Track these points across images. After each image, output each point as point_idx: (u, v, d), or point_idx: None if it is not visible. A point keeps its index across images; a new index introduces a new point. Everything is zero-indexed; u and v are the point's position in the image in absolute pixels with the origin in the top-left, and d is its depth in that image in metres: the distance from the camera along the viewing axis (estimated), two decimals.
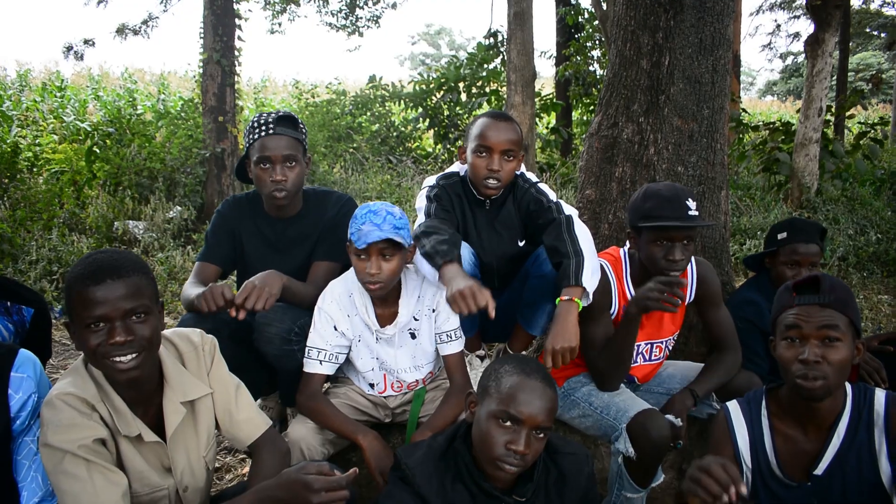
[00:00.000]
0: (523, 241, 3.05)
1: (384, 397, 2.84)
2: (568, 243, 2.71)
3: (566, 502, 2.10)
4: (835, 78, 14.59)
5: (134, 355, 1.88)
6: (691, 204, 2.64)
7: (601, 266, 2.79)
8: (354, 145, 12.39)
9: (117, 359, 1.86)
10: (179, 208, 8.56)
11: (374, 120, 13.68)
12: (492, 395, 1.98)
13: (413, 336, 2.76)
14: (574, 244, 2.70)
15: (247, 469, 3.55)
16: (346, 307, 2.70)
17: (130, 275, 1.87)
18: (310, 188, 3.14)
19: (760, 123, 10.74)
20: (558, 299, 2.60)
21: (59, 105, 10.84)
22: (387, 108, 13.96)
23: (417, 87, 13.93)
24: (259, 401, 3.20)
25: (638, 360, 2.90)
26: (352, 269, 2.73)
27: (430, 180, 3.05)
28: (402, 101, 13.77)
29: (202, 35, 8.94)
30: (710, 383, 2.83)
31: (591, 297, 2.65)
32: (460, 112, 13.57)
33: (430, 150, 13.88)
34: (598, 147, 3.54)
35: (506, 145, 2.83)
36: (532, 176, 3.06)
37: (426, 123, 13.81)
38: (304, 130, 2.99)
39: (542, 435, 1.98)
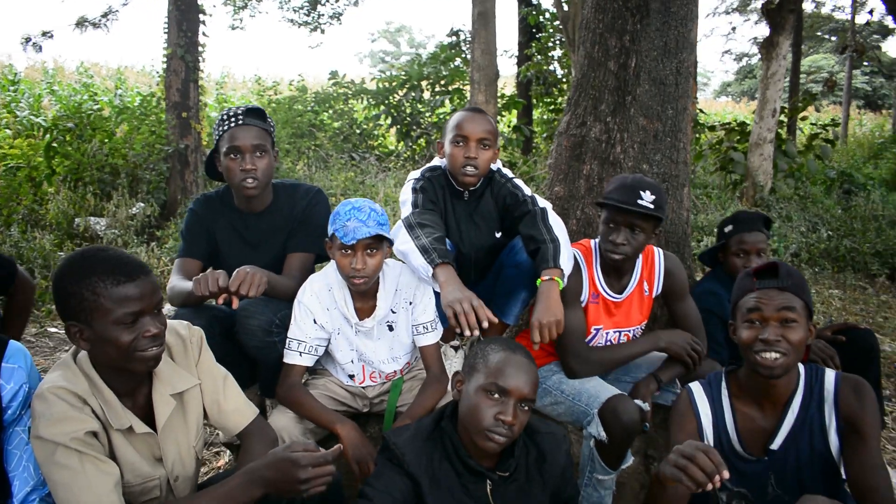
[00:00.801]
0: (500, 234, 3.17)
1: (363, 388, 2.92)
2: (544, 232, 2.85)
3: (546, 479, 2.21)
4: (788, 80, 14.99)
5: (160, 345, 1.97)
6: (646, 196, 2.76)
7: (573, 255, 2.91)
8: (317, 142, 12.39)
9: (150, 352, 1.94)
10: (142, 205, 8.49)
11: (336, 117, 13.68)
12: (480, 371, 2.09)
13: (391, 328, 2.84)
14: (550, 232, 2.85)
15: (222, 462, 3.60)
16: (325, 301, 2.77)
17: (148, 270, 1.95)
18: (278, 181, 3.20)
19: (717, 123, 11.00)
20: (539, 280, 2.72)
21: (13, 99, 10.64)
22: (349, 105, 13.98)
23: (380, 85, 13.98)
24: None
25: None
26: (331, 263, 2.80)
27: (416, 173, 3.17)
28: (364, 99, 13.81)
29: (166, 30, 8.89)
30: (673, 371, 2.97)
31: (566, 280, 2.77)
32: (423, 110, 13.64)
33: (392, 147, 13.93)
34: (567, 145, 3.66)
35: (482, 134, 2.98)
36: (508, 172, 3.18)
37: (388, 121, 13.87)
38: (272, 123, 3.06)
39: (526, 408, 2.09)
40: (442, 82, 13.66)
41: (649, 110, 3.53)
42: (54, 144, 8.74)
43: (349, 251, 2.60)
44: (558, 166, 3.71)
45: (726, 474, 1.76)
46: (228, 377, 2.32)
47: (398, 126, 13.61)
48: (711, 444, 2.25)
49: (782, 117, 10.50)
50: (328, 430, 2.65)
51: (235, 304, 2.58)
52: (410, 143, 13.22)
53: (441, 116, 13.41)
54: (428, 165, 3.20)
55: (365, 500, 2.03)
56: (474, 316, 2.49)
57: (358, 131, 13.56)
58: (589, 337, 2.97)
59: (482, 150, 3.00)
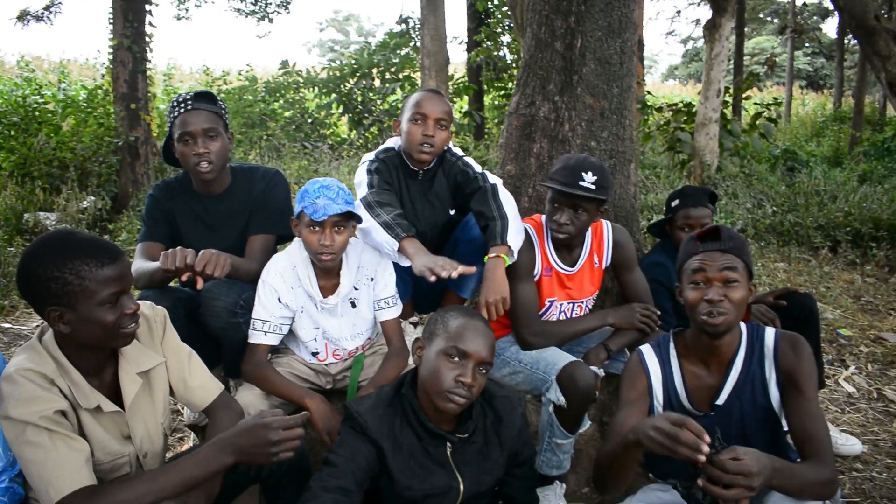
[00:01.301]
0: (454, 211, 3.26)
1: (325, 365, 2.99)
2: (494, 208, 2.95)
3: (502, 440, 2.32)
4: (732, 62, 15.32)
5: (137, 322, 2.07)
6: (588, 177, 2.86)
7: (525, 229, 3.02)
8: (269, 132, 12.34)
9: (131, 328, 2.03)
10: (93, 198, 8.39)
11: (287, 106, 13.62)
12: (440, 336, 2.18)
13: (354, 305, 2.91)
14: (499, 209, 2.95)
15: (186, 447, 3.63)
16: (289, 280, 2.83)
17: (122, 251, 2.01)
18: (237, 165, 3.24)
19: (664, 105, 11.22)
20: (486, 257, 2.82)
21: None
22: (301, 94, 13.92)
23: (331, 74, 13.94)
24: None
25: (560, 318, 3.13)
26: (294, 242, 2.86)
27: (370, 155, 3.25)
28: (315, 88, 13.76)
29: (111, 21, 8.76)
30: (624, 339, 3.10)
31: (515, 255, 2.88)
32: (374, 98, 13.65)
33: (344, 136, 13.92)
34: (517, 125, 3.76)
35: (440, 114, 3.08)
36: (459, 150, 3.28)
37: (340, 109, 13.85)
38: (223, 106, 3.09)
39: (484, 371, 2.19)
40: (392, 70, 13.67)
41: (595, 89, 3.64)
42: None
43: (318, 228, 2.66)
44: (509, 145, 3.80)
45: (707, 439, 1.82)
46: (193, 354, 2.37)
47: (350, 114, 13.60)
48: (661, 401, 2.37)
49: (727, 98, 10.77)
50: (297, 404, 2.72)
51: (200, 284, 2.63)
52: (363, 131, 13.22)
53: (392, 104, 13.43)
54: (382, 147, 3.28)
55: (329, 467, 2.11)
56: (450, 266, 2.63)
57: (310, 120, 13.53)
58: (543, 309, 3.08)
59: (439, 129, 3.09)
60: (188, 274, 2.60)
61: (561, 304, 3.11)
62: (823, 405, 4.26)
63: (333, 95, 13.78)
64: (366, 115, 13.54)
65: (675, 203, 3.56)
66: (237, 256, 2.91)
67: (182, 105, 2.97)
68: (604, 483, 2.23)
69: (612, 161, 3.71)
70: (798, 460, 2.20)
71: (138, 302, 2.28)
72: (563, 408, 2.75)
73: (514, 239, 2.88)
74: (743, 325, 2.38)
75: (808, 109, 23.21)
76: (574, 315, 3.17)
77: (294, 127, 13.01)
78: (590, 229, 3.12)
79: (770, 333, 2.35)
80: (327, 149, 11.97)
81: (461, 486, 2.23)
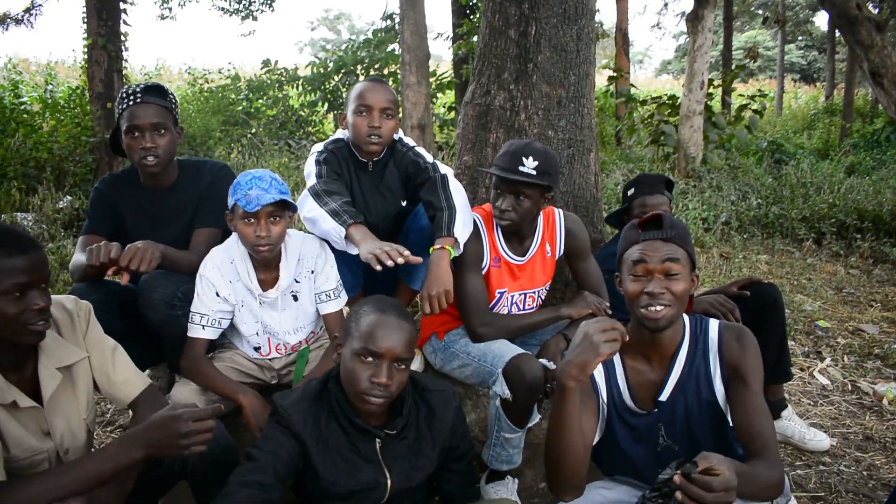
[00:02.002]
0: (405, 202, 3.19)
1: (269, 360, 2.92)
2: (442, 199, 2.88)
3: (435, 435, 2.24)
4: (721, 54, 15.27)
5: (47, 320, 1.98)
6: (528, 162, 2.78)
7: (473, 220, 2.95)
8: (252, 130, 12.27)
9: (38, 326, 1.95)
10: (70, 198, 8.30)
11: (271, 104, 13.56)
12: (353, 335, 2.09)
13: (295, 298, 2.84)
14: (448, 199, 2.87)
15: None
16: (227, 273, 2.76)
17: (39, 245, 1.96)
18: (184, 158, 3.20)
19: (649, 98, 11.15)
20: (431, 248, 2.75)
21: None
22: (284, 92, 13.85)
23: (315, 71, 13.87)
24: (148, 371, 3.24)
25: (512, 310, 3.06)
26: (232, 236, 2.80)
27: (318, 146, 3.17)
28: (299, 85, 13.69)
29: (86, 20, 8.68)
30: None
31: (461, 247, 2.81)
32: None
33: (330, 133, 13.84)
34: (473, 115, 3.69)
35: (384, 104, 2.99)
36: (409, 140, 3.21)
37: (325, 107, 13.79)
38: (173, 100, 3.04)
39: (402, 366, 2.10)
40: (376, 66, 13.60)
41: (552, 77, 3.57)
42: None
43: (252, 220, 2.60)
44: (466, 136, 3.73)
45: (626, 336, 1.95)
46: (118, 348, 2.32)
47: (335, 111, 13.52)
48: (605, 398, 2.28)
49: (711, 90, 10.71)
50: (231, 399, 2.65)
51: (125, 279, 2.58)
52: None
53: None
54: (331, 138, 3.20)
55: (250, 461, 2.04)
56: (395, 252, 2.55)
57: (294, 118, 13.45)
58: (494, 301, 3.01)
59: (385, 119, 3.01)
60: (113, 269, 2.54)
61: (512, 296, 3.03)
62: (795, 398, 4.20)
63: (318, 93, 13.70)
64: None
65: (631, 192, 3.48)
66: (178, 249, 2.87)
67: (131, 97, 2.91)
68: (556, 477, 2.10)
69: (570, 150, 3.64)
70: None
71: (60, 297, 2.24)
72: (510, 401, 2.68)
73: (461, 230, 2.81)
74: (686, 318, 2.28)
75: (801, 103, 23.15)
76: (527, 306, 3.09)
77: (278, 125, 12.94)
78: (541, 218, 3.05)
79: (714, 326, 2.26)
80: (311, 146, 11.88)
81: (388, 482, 2.16)
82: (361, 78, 13.92)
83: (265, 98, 13.59)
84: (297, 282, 2.84)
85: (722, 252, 7.47)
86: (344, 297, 2.92)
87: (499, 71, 3.61)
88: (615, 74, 11.90)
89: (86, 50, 8.77)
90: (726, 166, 9.83)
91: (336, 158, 3.11)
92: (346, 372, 2.10)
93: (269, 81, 13.72)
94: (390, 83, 13.20)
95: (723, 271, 6.76)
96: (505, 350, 2.77)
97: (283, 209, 2.66)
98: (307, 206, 2.85)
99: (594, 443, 2.30)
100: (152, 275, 2.71)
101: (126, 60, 8.99)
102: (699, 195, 8.64)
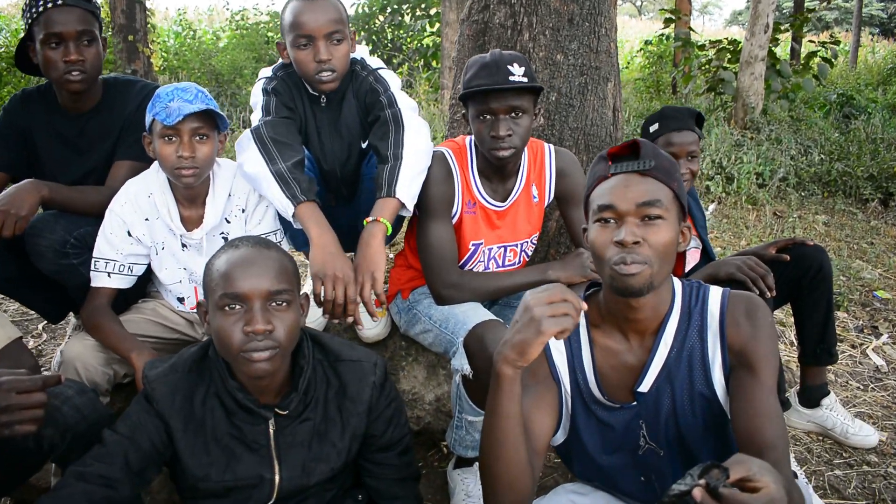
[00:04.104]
0: (367, 143, 2.64)
1: (196, 313, 2.46)
2: (389, 144, 2.34)
3: (345, 417, 1.77)
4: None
5: None
6: (516, 69, 2.25)
7: (443, 155, 2.43)
8: None
9: None
10: None
11: None
12: (212, 289, 1.62)
13: (225, 241, 2.38)
14: (396, 146, 2.33)
15: None
16: (143, 209, 2.32)
17: None
18: (110, 76, 2.71)
19: (708, 43, 10.28)
20: (365, 220, 2.23)
21: None
22: None
23: (360, 10, 13.37)
24: (75, 319, 2.85)
25: (490, 266, 2.54)
26: (153, 166, 2.35)
27: (267, 71, 2.61)
28: None
29: None
30: (579, 293, 2.48)
31: (411, 208, 2.31)
32: (403, 35, 13.04)
33: None
34: (469, 34, 3.14)
35: (328, 27, 2.37)
36: (375, 61, 2.64)
37: (369, 48, 13.28)
38: (96, 3, 2.55)
39: (282, 304, 1.63)
40: (423, 5, 12.99)
41: None
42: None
43: (173, 137, 2.16)
44: (461, 60, 3.18)
45: (584, 305, 1.47)
46: None
47: (378, 53, 13.00)
48: (568, 387, 1.75)
49: (777, 36, 9.83)
50: (125, 359, 2.22)
51: None
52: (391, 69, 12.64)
53: (421, 43, 12.78)
54: (282, 61, 2.60)
55: (99, 447, 1.62)
56: (342, 307, 2.09)
57: None
58: (467, 255, 2.49)
59: (334, 45, 2.40)
60: None
61: (489, 249, 2.51)
62: (843, 380, 3.60)
63: (362, 33, 13.20)
64: (395, 53, 12.95)
65: (653, 128, 2.88)
66: (96, 184, 2.47)
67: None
68: (490, 492, 1.59)
69: (582, 79, 3.06)
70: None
71: None
72: (471, 378, 2.17)
73: (408, 189, 2.27)
74: (678, 283, 1.72)
75: (878, 58, 21.67)
76: (507, 263, 2.57)
77: None
78: (526, 154, 2.50)
79: (715, 294, 1.69)
80: None
81: (276, 478, 1.70)
82: (407, 18, 13.35)
83: None
84: (227, 221, 2.38)
85: (776, 210, 6.81)
86: (283, 244, 2.44)
87: None
88: (672, 18, 11.01)
89: None
90: (788, 118, 9.01)
91: (287, 88, 2.54)
92: (216, 336, 1.63)
93: None
94: (436, 23, 12.72)
95: (774, 231, 6.12)
96: (470, 316, 2.26)
97: (212, 128, 2.22)
98: (249, 155, 2.32)
99: (559, 443, 1.80)
100: (40, 217, 2.30)
101: None
102: (755, 147, 7.91)
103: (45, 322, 3.60)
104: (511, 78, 2.24)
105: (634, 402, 1.70)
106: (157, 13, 9.45)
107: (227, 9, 13.96)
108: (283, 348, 1.63)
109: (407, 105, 2.47)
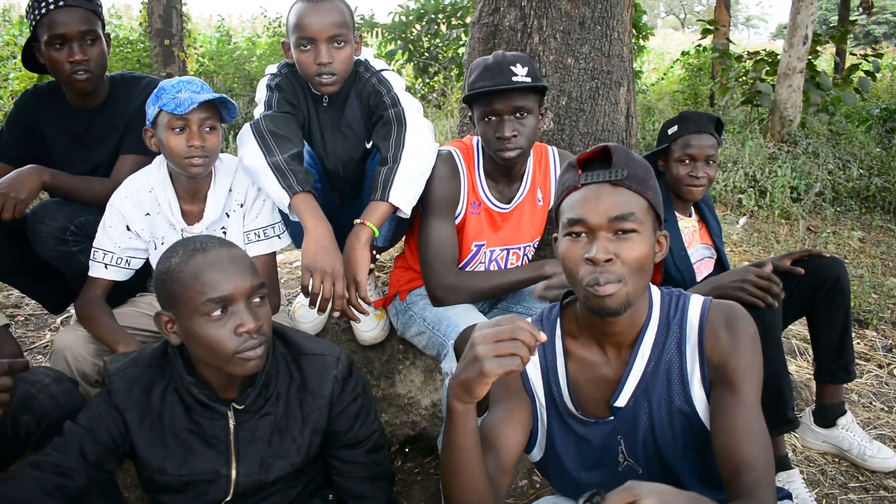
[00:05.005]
0: (371, 143, 2.63)
1: None
2: (390, 145, 2.33)
3: (306, 410, 1.75)
4: (837, 8, 13.91)
5: None
6: (519, 69, 2.24)
7: (450, 154, 2.42)
8: None
9: None
10: None
11: None
12: (187, 297, 1.56)
13: (225, 234, 2.40)
14: (397, 147, 2.32)
15: None
16: (143, 204, 2.35)
17: None
18: (117, 73, 2.76)
19: (745, 54, 10.10)
20: (354, 221, 2.23)
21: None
22: (363, 41, 13.43)
23: (397, 19, 13.38)
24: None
25: (491, 268, 2.51)
26: (154, 161, 2.38)
27: (272, 67, 2.62)
28: (379, 33, 13.22)
29: None
30: None
31: (407, 211, 2.29)
32: (439, 44, 13.03)
33: (408, 84, 13.38)
34: (479, 37, 3.11)
35: (331, 30, 2.37)
36: (379, 63, 2.63)
37: (406, 56, 13.28)
38: (98, 2, 2.59)
39: (262, 298, 1.63)
40: (458, 14, 12.97)
41: None
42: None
43: (184, 128, 2.18)
44: (471, 63, 3.15)
45: (543, 337, 1.37)
46: None
47: (415, 62, 13.01)
48: (543, 400, 1.69)
49: (819, 48, 9.63)
50: (112, 350, 2.23)
51: None
52: (427, 80, 12.62)
53: (457, 52, 12.77)
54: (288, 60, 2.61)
55: (58, 438, 1.61)
56: (329, 300, 2.09)
57: None
58: (469, 255, 2.47)
59: (336, 49, 2.39)
60: None
61: (492, 251, 2.48)
62: (866, 400, 3.48)
63: (399, 42, 13.22)
64: (431, 62, 12.94)
65: (672, 130, 2.83)
66: (104, 176, 2.51)
67: (50, 1, 2.46)
68: None
69: (594, 83, 3.02)
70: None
71: None
72: None
73: (403, 193, 2.25)
74: (656, 292, 1.65)
75: None
76: (509, 265, 2.53)
77: None
78: (531, 157, 2.47)
79: (696, 304, 1.61)
80: None
81: (233, 472, 1.68)
82: (444, 27, 13.35)
83: None
84: (227, 216, 2.39)
85: (809, 225, 6.65)
86: (279, 240, 2.44)
87: None
88: (710, 28, 10.85)
89: None
90: (828, 131, 8.81)
91: (291, 85, 2.55)
92: (201, 344, 1.58)
93: None
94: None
95: (805, 246, 5.96)
96: (462, 319, 2.23)
97: (218, 119, 2.24)
98: (248, 149, 2.34)
99: (537, 460, 1.75)
100: (42, 204, 2.36)
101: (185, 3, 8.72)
102: (791, 161, 7.74)
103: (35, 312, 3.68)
104: (514, 78, 2.22)
105: (611, 417, 1.63)
106: (201, 20, 9.56)
107: (265, 16, 14.13)
108: (269, 340, 1.63)
109: (411, 105, 2.46)
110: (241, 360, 1.56)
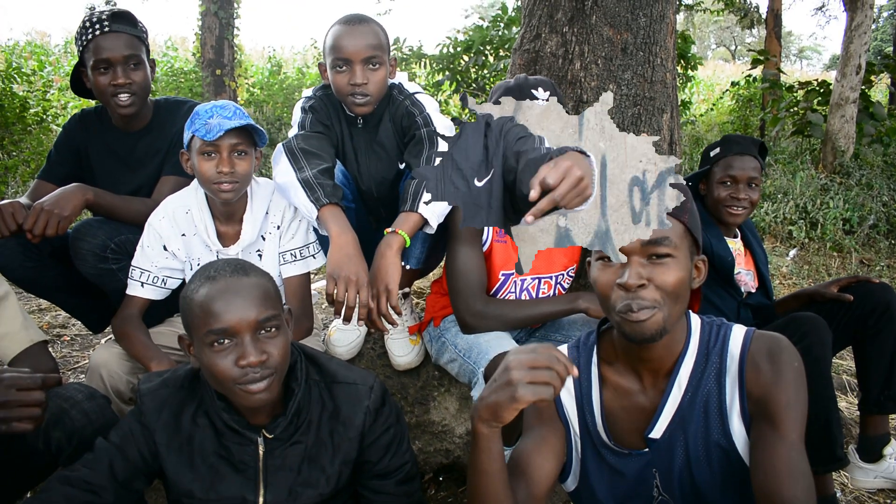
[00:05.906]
0: (404, 164, 2.64)
1: None
2: (422, 162, 2.32)
3: (337, 440, 1.71)
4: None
5: None
6: (540, 93, 2.22)
7: None
8: None
9: None
10: None
11: None
12: (195, 325, 1.56)
13: (260, 257, 2.41)
14: (427, 164, 2.30)
15: None
16: (180, 225, 2.37)
17: None
18: (161, 98, 2.82)
19: (796, 84, 9.94)
20: (385, 230, 2.21)
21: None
22: (411, 71, 13.55)
23: (444, 50, 13.51)
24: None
25: (522, 297, 2.47)
26: (192, 183, 2.41)
27: (308, 91, 2.67)
28: (427, 64, 13.35)
29: None
30: None
31: (434, 225, 2.28)
32: (486, 75, 13.10)
33: (455, 115, 13.45)
34: (521, 64, 3.10)
35: (366, 52, 2.39)
36: (413, 86, 2.64)
37: (453, 87, 13.38)
38: (143, 29, 2.66)
39: (271, 330, 1.58)
40: (505, 46, 13.04)
41: (616, 18, 2.92)
42: None
43: (213, 154, 2.20)
44: None
45: (575, 371, 1.34)
46: (7, 300, 2.04)
47: (461, 91, 13.09)
48: (577, 429, 1.65)
49: (872, 78, 9.44)
50: (145, 368, 2.25)
51: (38, 240, 2.24)
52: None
53: None
54: (324, 83, 2.63)
55: (88, 454, 1.61)
56: (353, 308, 2.07)
57: None
58: (497, 284, 2.43)
59: (371, 70, 2.41)
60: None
61: (522, 281, 2.44)
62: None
63: (447, 72, 13.33)
64: (478, 93, 13.00)
65: (714, 152, 2.80)
66: (121, 196, 2.54)
67: (96, 26, 2.54)
68: None
69: (635, 109, 2.98)
70: None
71: None
72: None
73: (432, 206, 2.23)
74: (696, 320, 1.59)
75: None
76: (541, 294, 2.49)
77: None
78: None
79: (738, 334, 1.55)
80: None
81: (260, 500, 1.66)
82: (491, 58, 13.42)
83: None
84: (262, 238, 2.40)
85: (863, 258, 6.46)
86: (317, 260, 2.45)
87: (552, 10, 2.99)
88: (760, 58, 10.70)
89: (199, 17, 8.78)
90: (882, 163, 8.60)
91: (325, 107, 2.58)
92: (207, 371, 1.57)
93: (397, 58, 13.49)
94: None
95: None
96: (493, 346, 2.20)
97: (250, 145, 2.26)
98: (281, 168, 2.36)
99: (571, 489, 1.70)
100: (84, 222, 2.40)
101: (237, 29, 8.90)
102: (843, 193, 7.55)
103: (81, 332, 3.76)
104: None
105: (646, 449, 1.58)
106: (254, 52, 9.78)
107: (315, 47, 14.40)
108: (280, 372, 1.59)
109: (443, 125, 2.45)
110: (243, 393, 1.54)
